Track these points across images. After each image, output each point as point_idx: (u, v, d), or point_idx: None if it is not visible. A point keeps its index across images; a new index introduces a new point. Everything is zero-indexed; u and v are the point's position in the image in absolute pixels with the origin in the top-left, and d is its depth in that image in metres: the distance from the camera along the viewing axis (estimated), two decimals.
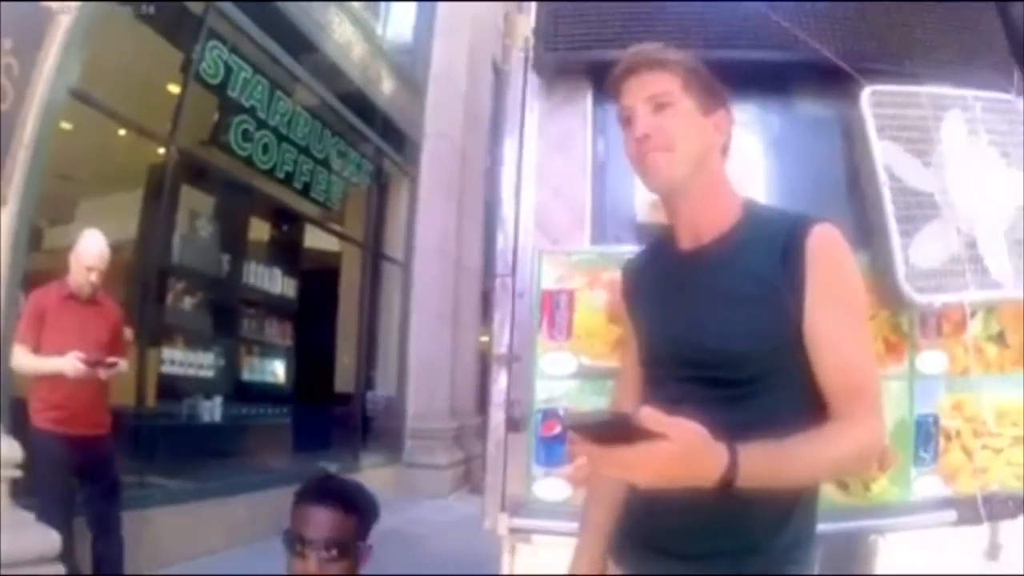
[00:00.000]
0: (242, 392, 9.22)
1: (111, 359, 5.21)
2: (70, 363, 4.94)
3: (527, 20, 3.28)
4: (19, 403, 5.16)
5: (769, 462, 1.52)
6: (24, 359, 5.05)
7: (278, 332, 10.26)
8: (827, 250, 1.70)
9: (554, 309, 2.89)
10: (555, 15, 3.27)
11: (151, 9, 7.25)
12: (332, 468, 9.47)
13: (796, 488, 1.69)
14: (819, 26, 3.10)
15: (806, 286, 1.67)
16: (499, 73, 15.51)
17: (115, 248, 9.10)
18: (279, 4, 8.84)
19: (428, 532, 8.63)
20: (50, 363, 5.00)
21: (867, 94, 3.01)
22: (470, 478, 13.10)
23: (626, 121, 1.83)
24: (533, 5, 3.28)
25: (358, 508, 2.28)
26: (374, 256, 12.46)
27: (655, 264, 1.97)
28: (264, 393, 9.79)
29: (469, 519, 7.02)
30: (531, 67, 3.20)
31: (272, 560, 2.43)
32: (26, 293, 5.33)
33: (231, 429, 8.80)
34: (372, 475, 10.75)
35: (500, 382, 2.84)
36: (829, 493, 2.64)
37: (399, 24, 13.22)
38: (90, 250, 5.30)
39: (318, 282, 11.40)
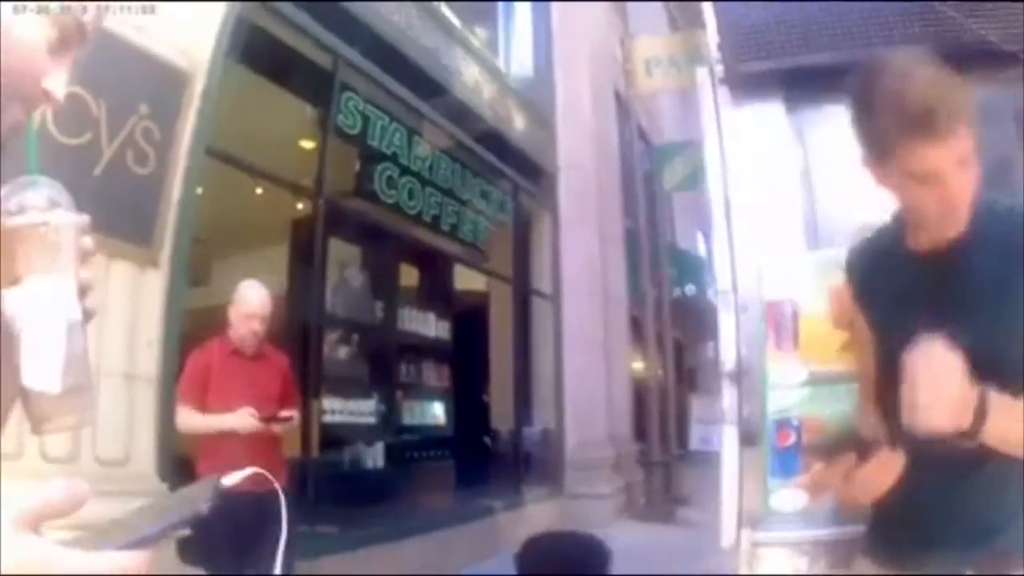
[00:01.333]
0: (403, 436, 9.28)
1: (285, 412, 5.00)
2: (242, 419, 4.73)
3: (698, 36, 3.27)
4: (183, 462, 5.25)
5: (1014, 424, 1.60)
6: (192, 418, 4.88)
7: (435, 375, 10.34)
8: None
9: (779, 319, 2.82)
10: (736, 28, 3.22)
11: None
12: (496, 505, 9.49)
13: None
14: (985, 13, 3.04)
15: None
16: (621, 99, 15.52)
17: None
18: (406, 52, 8.94)
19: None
20: (221, 420, 4.79)
21: None
22: (632, 505, 12.94)
23: (922, 180, 1.69)
24: (711, 21, 3.22)
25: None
26: (522, 291, 12.49)
27: (889, 260, 1.94)
28: (424, 436, 9.87)
29: (637, 546, 6.91)
30: (720, 82, 3.14)
31: None
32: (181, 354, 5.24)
33: (394, 474, 8.87)
34: (535, 509, 10.71)
35: (730, 398, 2.77)
36: None
37: (519, 58, 13.30)
38: (250, 299, 5.06)
39: (470, 322, 11.44)
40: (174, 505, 0.85)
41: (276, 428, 4.95)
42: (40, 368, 0.91)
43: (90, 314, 0.94)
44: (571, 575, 2.10)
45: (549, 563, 2.14)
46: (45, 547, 0.72)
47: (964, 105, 1.68)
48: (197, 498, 0.85)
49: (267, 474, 1.01)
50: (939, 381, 1.56)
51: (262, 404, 4.90)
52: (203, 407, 4.89)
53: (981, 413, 1.56)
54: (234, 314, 5.05)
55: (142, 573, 0.75)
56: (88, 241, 0.98)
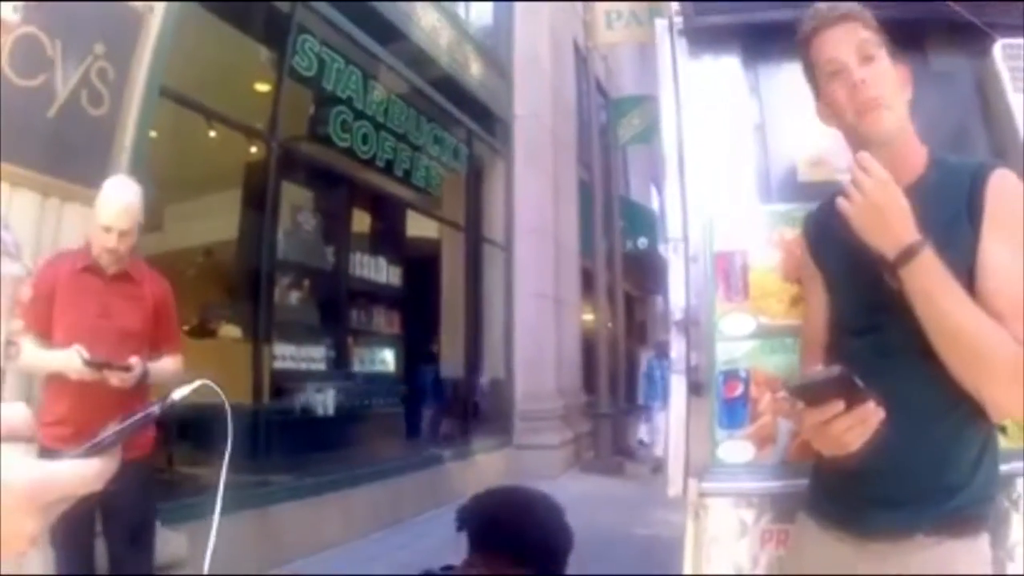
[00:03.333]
0: (353, 383, 9.28)
1: (130, 360, 3.71)
2: (68, 359, 3.59)
3: None
4: None
5: (937, 279, 1.72)
6: (29, 352, 3.81)
7: (385, 321, 10.31)
8: (1005, 188, 1.84)
9: (729, 270, 2.84)
10: None
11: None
12: (445, 455, 9.56)
13: (984, 428, 1.84)
14: None
15: (983, 222, 1.81)
16: (580, 51, 15.48)
17: (216, 248, 9.26)
18: None
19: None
20: (48, 357, 3.73)
21: (999, 48, 2.99)
22: (579, 457, 13.11)
23: (834, 72, 1.94)
24: None
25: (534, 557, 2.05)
26: (474, 239, 12.49)
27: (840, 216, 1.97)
28: (374, 383, 9.85)
29: (587, 497, 7.01)
30: (679, 34, 3.14)
31: (391, 551, 2.35)
32: None
33: (344, 421, 8.86)
34: (483, 459, 10.81)
35: (679, 348, 2.79)
36: None
37: (479, 6, 13.22)
38: (105, 204, 3.87)
39: (421, 269, 11.43)
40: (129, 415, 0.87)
41: (113, 380, 3.65)
42: None
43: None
44: (519, 532, 2.06)
45: (495, 519, 2.10)
46: (5, 458, 0.72)
47: (850, 7, 1.95)
48: (151, 404, 0.89)
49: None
50: (883, 185, 1.75)
51: (112, 341, 3.79)
52: (47, 337, 3.80)
53: (913, 249, 1.72)
54: (91, 222, 3.95)
55: (99, 477, 0.77)
56: (26, 291, 0.99)
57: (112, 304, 3.88)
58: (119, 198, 3.87)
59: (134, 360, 3.71)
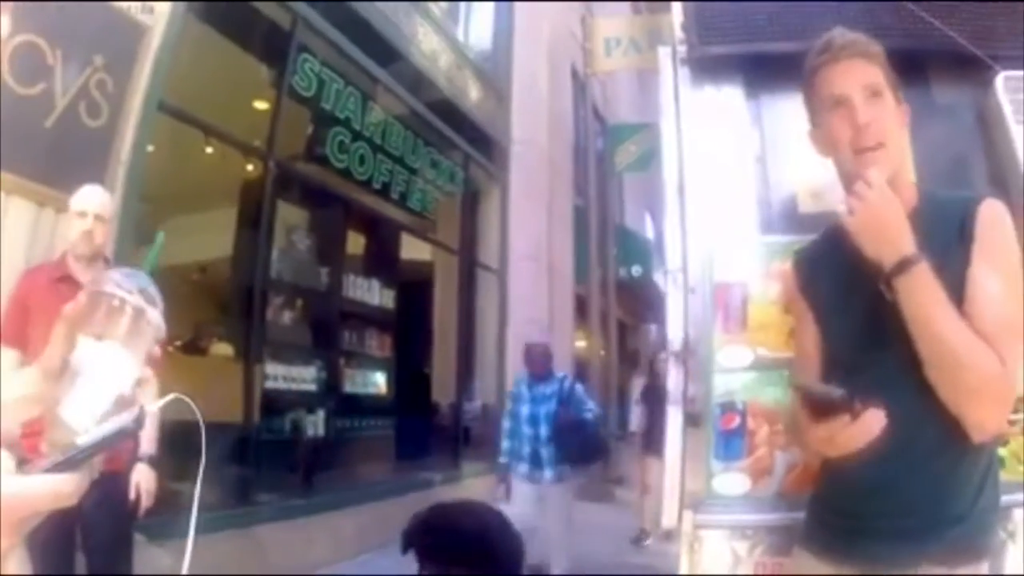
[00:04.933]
0: (344, 405, 9.22)
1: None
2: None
3: (659, 18, 3.30)
4: None
5: (931, 292, 1.75)
6: (7, 363, 3.72)
7: (377, 344, 10.27)
8: (995, 217, 1.88)
9: (728, 302, 2.84)
10: (702, 9, 3.25)
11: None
12: (435, 478, 9.48)
13: (984, 459, 1.87)
14: (952, 14, 3.12)
15: (973, 247, 1.85)
16: (578, 77, 15.54)
17: (210, 265, 9.22)
18: (366, 17, 8.84)
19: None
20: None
21: (1001, 80, 3.05)
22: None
23: (836, 105, 1.95)
24: (676, 5, 3.24)
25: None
26: (468, 264, 12.45)
27: (835, 253, 2.02)
28: (366, 405, 9.80)
29: (576, 525, 6.96)
30: (682, 63, 3.15)
31: (380, 572, 2.31)
32: None
33: (334, 442, 8.80)
34: (472, 483, 10.75)
35: (676, 378, 2.78)
36: None
37: (479, 30, 13.26)
38: (79, 195, 4.01)
39: (414, 292, 11.39)
40: (103, 428, 0.88)
41: None
42: (80, 408, 0.96)
43: (138, 418, 0.92)
44: (469, 541, 2.02)
45: (442, 539, 2.05)
46: None
47: (864, 44, 1.96)
48: (125, 420, 0.89)
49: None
50: (886, 198, 1.80)
51: None
52: (23, 349, 3.75)
53: (909, 260, 1.75)
54: (66, 222, 4.06)
55: (74, 493, 0.78)
56: (157, 350, 1.06)
57: None
58: (91, 189, 4.02)
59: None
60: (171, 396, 1.03)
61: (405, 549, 2.04)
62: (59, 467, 0.78)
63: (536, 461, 6.50)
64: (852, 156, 1.93)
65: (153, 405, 0.95)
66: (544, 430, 6.46)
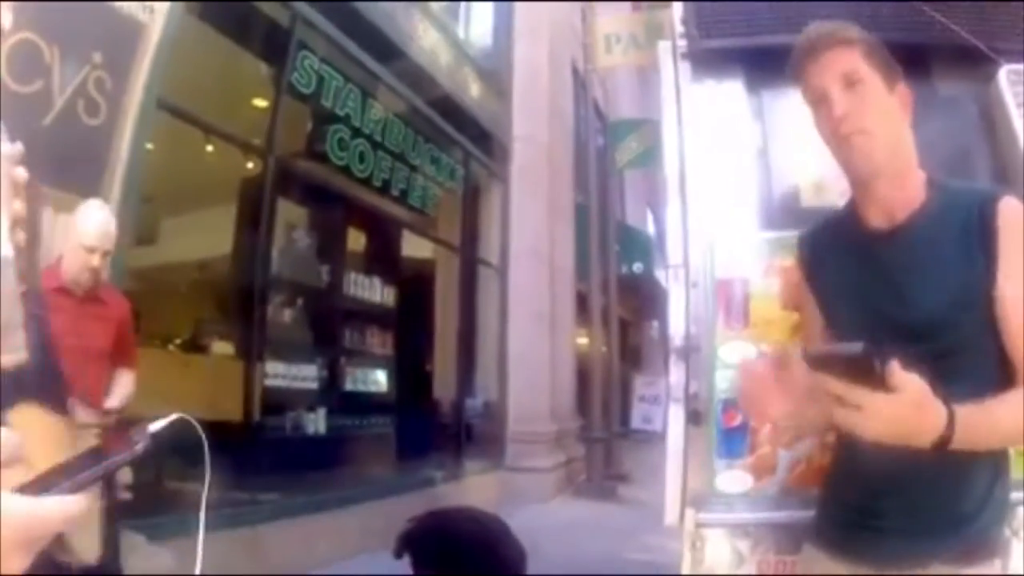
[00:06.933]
0: (345, 403, 9.21)
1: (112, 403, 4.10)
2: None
3: (659, 15, 3.30)
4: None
5: (980, 423, 1.58)
6: None
7: (378, 341, 10.25)
8: (1017, 219, 1.78)
9: (730, 298, 2.82)
10: (701, 5, 3.26)
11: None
12: (437, 476, 9.45)
13: (994, 457, 1.81)
14: (954, 8, 3.11)
15: (999, 256, 1.76)
16: (579, 74, 15.51)
17: (210, 263, 9.21)
18: (365, 14, 8.82)
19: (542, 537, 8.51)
20: None
21: (1004, 73, 3.05)
22: (572, 481, 13.03)
23: (817, 101, 1.89)
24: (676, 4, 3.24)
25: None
26: (469, 261, 12.46)
27: (840, 242, 1.99)
28: (367, 403, 9.79)
29: (579, 522, 6.95)
30: (682, 57, 3.14)
31: (381, 572, 2.28)
32: None
33: (336, 440, 8.79)
34: (475, 481, 10.74)
35: (678, 375, 2.76)
36: None
37: (479, 27, 13.27)
38: (89, 225, 4.07)
39: (415, 289, 11.37)
40: (112, 457, 0.86)
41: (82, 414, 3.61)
42: None
43: (21, 249, 0.89)
44: (470, 549, 2.00)
45: (440, 544, 2.03)
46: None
47: (840, 30, 1.90)
48: (132, 442, 0.87)
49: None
50: (895, 403, 1.47)
51: (80, 361, 3.80)
52: None
53: (950, 429, 1.51)
54: (69, 242, 4.12)
55: (81, 515, 0.77)
56: (21, 172, 0.93)
57: (81, 324, 4.02)
58: (102, 220, 4.13)
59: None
60: (174, 416, 0.99)
61: (400, 553, 2.02)
62: (69, 488, 0.77)
63: None
64: (836, 152, 1.89)
65: (156, 425, 0.92)
66: None
